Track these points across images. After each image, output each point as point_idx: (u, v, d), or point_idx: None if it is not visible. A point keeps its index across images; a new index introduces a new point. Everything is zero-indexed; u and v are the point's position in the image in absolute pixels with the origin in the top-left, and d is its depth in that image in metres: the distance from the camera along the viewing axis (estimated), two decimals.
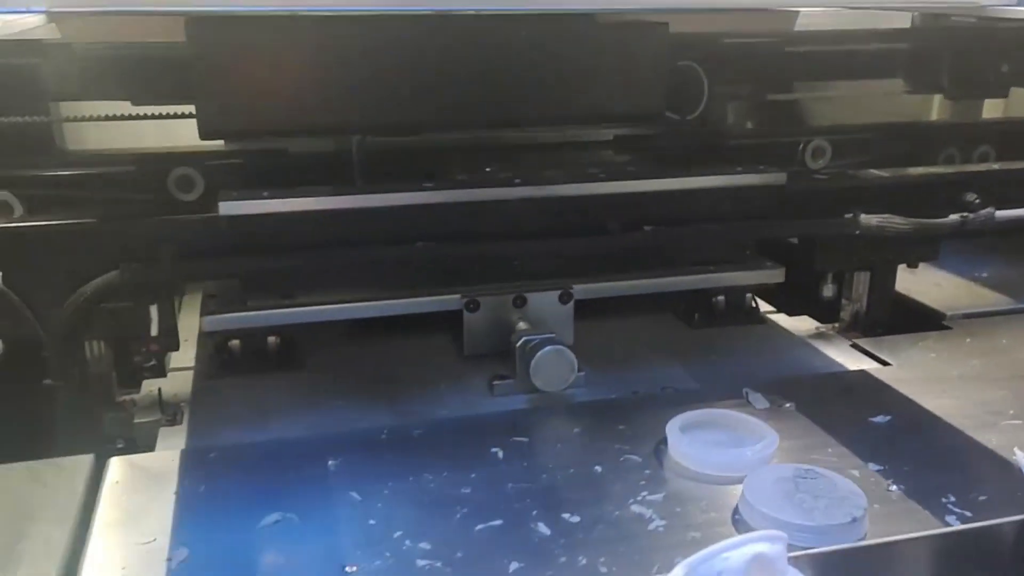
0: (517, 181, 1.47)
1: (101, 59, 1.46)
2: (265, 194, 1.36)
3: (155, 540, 1.02)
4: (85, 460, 1.17)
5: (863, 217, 1.54)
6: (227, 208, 1.33)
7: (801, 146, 1.71)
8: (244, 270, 1.40)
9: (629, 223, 1.48)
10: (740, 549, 0.82)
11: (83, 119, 1.54)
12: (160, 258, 1.30)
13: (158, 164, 1.49)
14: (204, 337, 1.54)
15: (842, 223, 1.55)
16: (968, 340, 1.59)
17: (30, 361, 1.30)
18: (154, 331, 1.34)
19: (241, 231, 1.35)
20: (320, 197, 1.38)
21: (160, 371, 1.50)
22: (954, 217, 1.58)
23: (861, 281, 1.70)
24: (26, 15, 0.94)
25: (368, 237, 1.40)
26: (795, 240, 1.68)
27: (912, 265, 1.70)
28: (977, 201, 1.59)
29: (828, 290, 1.69)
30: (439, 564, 0.98)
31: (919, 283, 1.77)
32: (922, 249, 1.65)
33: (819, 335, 1.68)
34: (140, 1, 1.02)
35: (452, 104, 1.42)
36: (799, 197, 1.58)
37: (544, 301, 1.50)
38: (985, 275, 1.85)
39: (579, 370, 1.38)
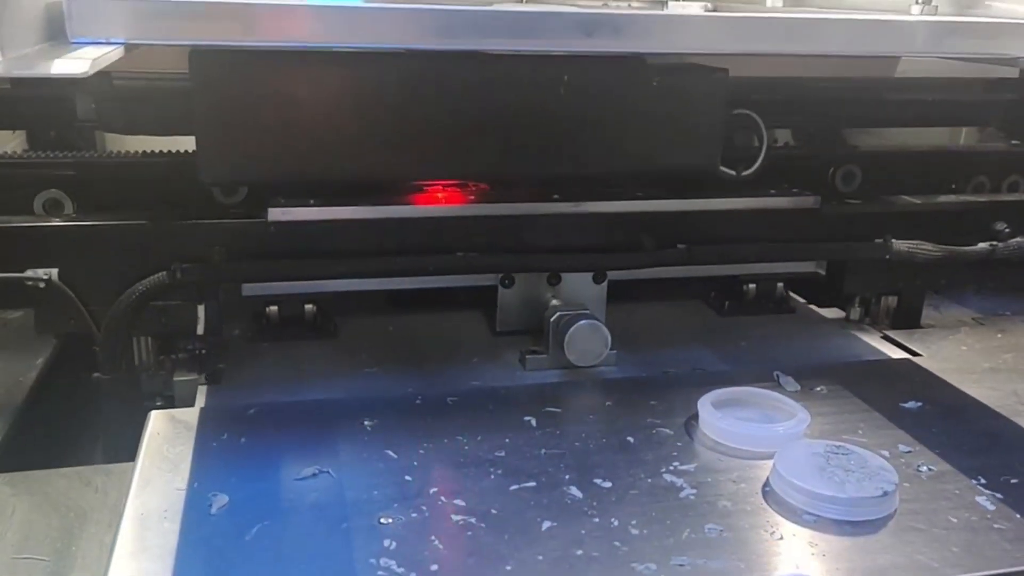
0: (556, 197, 1.48)
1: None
2: (311, 202, 1.38)
3: (195, 486, 1.04)
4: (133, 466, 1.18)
5: (894, 242, 1.54)
6: (275, 215, 1.36)
7: (832, 170, 1.71)
8: (289, 273, 1.41)
9: (664, 240, 1.49)
10: None
11: None
12: (211, 260, 1.32)
13: None
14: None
15: (873, 247, 1.55)
16: (999, 335, 1.59)
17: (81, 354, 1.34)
18: (200, 330, 1.37)
19: (286, 236, 1.37)
20: (364, 207, 1.40)
21: None
22: (983, 245, 1.58)
23: (888, 306, 1.70)
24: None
25: (409, 244, 1.42)
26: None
27: (939, 291, 1.72)
28: (1007, 230, 1.60)
29: (855, 314, 1.69)
30: (473, 520, 0.99)
31: (943, 319, 1.75)
32: (950, 276, 1.66)
33: (850, 325, 1.68)
34: (218, 36, 1.05)
35: (473, 153, 1.37)
36: (831, 221, 1.58)
37: (578, 280, 1.51)
38: (1009, 313, 1.84)
39: (611, 349, 1.40)
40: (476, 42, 1.13)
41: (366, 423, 1.19)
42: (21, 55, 0.90)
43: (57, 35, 1.01)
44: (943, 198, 1.69)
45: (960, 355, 1.50)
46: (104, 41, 1.00)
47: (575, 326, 1.37)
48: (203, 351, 1.37)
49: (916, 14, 1.50)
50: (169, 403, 1.37)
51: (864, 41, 1.24)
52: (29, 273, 1.29)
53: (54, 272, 1.30)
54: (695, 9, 2.05)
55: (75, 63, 0.88)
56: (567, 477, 1.08)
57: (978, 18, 1.41)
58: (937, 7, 1.51)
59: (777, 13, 1.27)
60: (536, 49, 1.14)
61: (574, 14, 1.14)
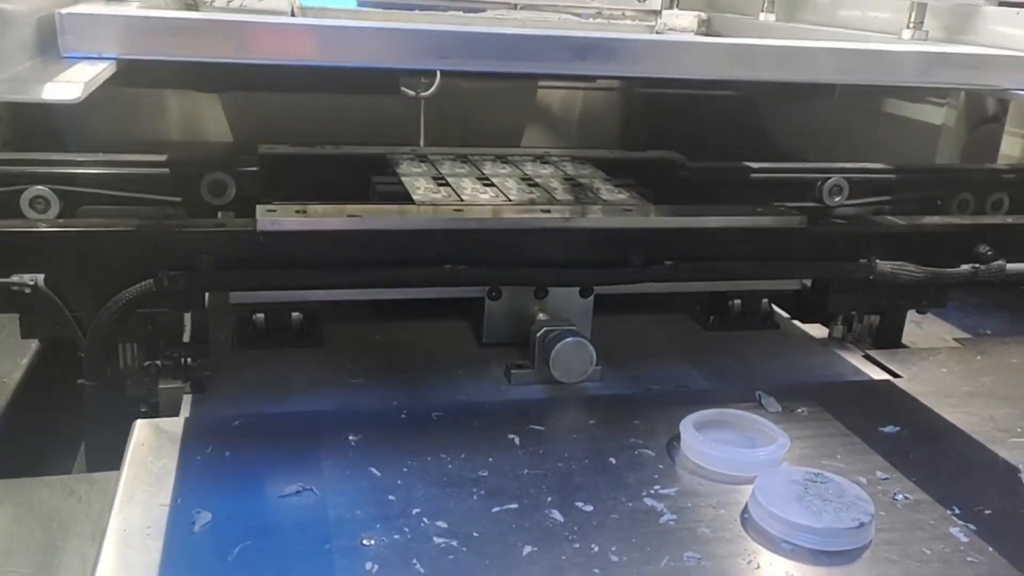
0: (545, 211, 1.49)
1: None
2: (302, 211, 1.39)
3: (179, 502, 1.05)
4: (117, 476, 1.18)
5: (878, 263, 1.55)
6: (264, 224, 1.35)
7: (819, 183, 1.74)
8: (277, 283, 1.41)
9: (651, 256, 1.49)
10: None
11: None
12: (198, 268, 1.32)
13: (191, 168, 1.53)
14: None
15: (857, 267, 1.56)
16: (979, 358, 1.61)
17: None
18: (186, 338, 1.37)
19: (275, 245, 1.37)
20: (353, 218, 1.40)
21: None
22: (966, 267, 1.60)
23: (870, 323, 1.71)
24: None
25: (397, 255, 1.43)
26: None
27: (920, 311, 1.73)
28: (989, 252, 1.61)
29: (837, 331, 1.70)
30: (455, 543, 1.00)
31: (925, 337, 1.77)
32: (932, 296, 1.67)
33: (832, 343, 1.70)
34: (211, 53, 1.05)
35: None
36: (815, 239, 1.59)
37: (565, 294, 1.52)
38: (990, 332, 1.86)
39: (596, 364, 1.41)
40: (470, 63, 1.14)
41: (351, 438, 1.20)
42: (12, 75, 0.90)
43: (49, 49, 1.01)
44: (927, 219, 1.71)
45: (940, 377, 1.52)
46: (96, 56, 1.00)
47: (561, 343, 1.38)
48: (189, 359, 1.37)
49: (907, 38, 1.52)
50: (154, 410, 1.37)
51: (855, 70, 1.26)
52: (15, 278, 1.28)
53: (40, 277, 1.29)
54: (688, 20, 2.06)
55: (67, 87, 0.88)
56: (549, 499, 1.09)
57: (968, 47, 1.42)
58: (928, 32, 1.52)
59: (769, 41, 1.28)
60: (529, 71, 1.15)
61: (568, 38, 1.15)
